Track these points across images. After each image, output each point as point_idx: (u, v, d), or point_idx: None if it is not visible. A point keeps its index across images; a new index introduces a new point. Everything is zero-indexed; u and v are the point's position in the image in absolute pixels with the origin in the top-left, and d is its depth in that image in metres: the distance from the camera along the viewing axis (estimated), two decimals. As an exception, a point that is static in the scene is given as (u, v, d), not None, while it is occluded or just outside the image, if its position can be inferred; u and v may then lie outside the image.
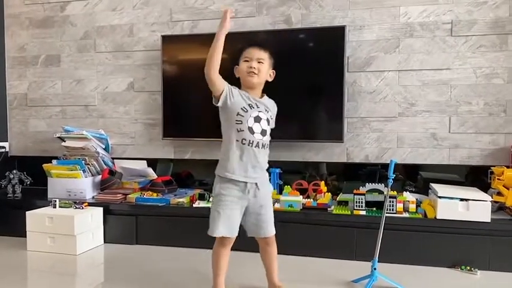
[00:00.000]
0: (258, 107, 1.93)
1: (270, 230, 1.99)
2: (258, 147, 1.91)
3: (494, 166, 2.58)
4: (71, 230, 2.66)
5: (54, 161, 3.16)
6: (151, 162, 3.27)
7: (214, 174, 3.34)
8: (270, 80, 2.00)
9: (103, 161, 3.23)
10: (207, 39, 3.09)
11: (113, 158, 3.34)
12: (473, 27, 2.77)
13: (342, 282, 2.25)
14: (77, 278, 2.44)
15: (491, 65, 2.76)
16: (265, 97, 2.02)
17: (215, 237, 1.95)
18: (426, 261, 2.45)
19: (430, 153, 2.88)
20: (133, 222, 2.88)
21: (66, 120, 3.50)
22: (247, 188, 1.91)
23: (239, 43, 3.00)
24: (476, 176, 2.80)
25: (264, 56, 1.93)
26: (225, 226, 1.90)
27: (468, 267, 2.37)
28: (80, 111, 3.49)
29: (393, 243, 2.43)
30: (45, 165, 3.13)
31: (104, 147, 3.31)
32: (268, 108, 1.98)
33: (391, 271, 2.25)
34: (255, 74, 1.91)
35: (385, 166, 2.92)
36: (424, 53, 2.84)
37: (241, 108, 1.90)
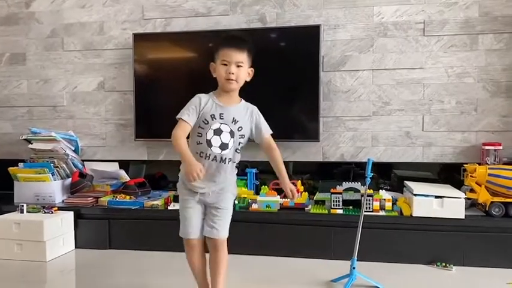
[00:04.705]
0: (221, 118, 1.80)
1: (216, 232, 1.85)
2: (216, 161, 1.80)
3: (466, 163, 2.62)
4: (39, 236, 2.55)
5: (20, 164, 3.03)
6: (124, 164, 3.19)
7: (189, 176, 3.29)
8: (248, 79, 1.87)
9: (73, 163, 3.12)
10: (180, 37, 3.12)
11: (83, 160, 3.23)
12: (445, 27, 2.82)
13: (321, 282, 2.24)
14: (47, 286, 2.35)
15: (462, 64, 2.82)
16: (241, 104, 1.88)
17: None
18: (403, 259, 2.47)
19: (404, 151, 2.91)
20: (105, 226, 2.79)
21: (33, 122, 3.36)
22: (203, 194, 1.86)
23: (212, 42, 3.01)
24: (449, 174, 2.86)
25: (242, 58, 1.79)
26: (186, 228, 1.86)
27: (444, 264, 2.41)
28: (48, 112, 3.36)
29: (371, 241, 2.44)
30: (11, 169, 3.00)
31: (73, 149, 3.20)
32: (237, 119, 1.83)
33: (369, 269, 2.26)
34: (234, 80, 1.80)
35: (360, 165, 2.97)
36: (398, 52, 2.88)
37: (203, 121, 1.81)
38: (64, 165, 3.07)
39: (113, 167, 3.14)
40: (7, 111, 3.43)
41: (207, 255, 1.92)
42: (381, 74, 2.91)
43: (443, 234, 2.45)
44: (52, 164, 2.99)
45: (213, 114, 1.81)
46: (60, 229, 2.67)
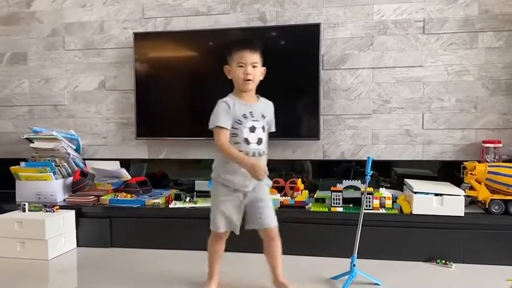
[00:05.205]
0: (252, 116, 1.93)
1: (267, 223, 1.99)
2: (255, 157, 1.93)
3: (466, 161, 2.63)
4: (42, 235, 2.56)
5: (22, 163, 3.04)
6: (125, 163, 3.20)
7: (189, 174, 3.33)
8: (261, 78, 1.99)
9: (74, 162, 3.14)
10: (181, 36, 3.12)
11: (85, 159, 3.25)
12: (445, 25, 2.82)
13: (321, 279, 2.25)
14: (49, 284, 2.36)
15: (462, 62, 2.82)
16: (261, 100, 2.01)
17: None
18: (403, 256, 2.48)
19: (404, 149, 2.92)
20: (107, 224, 2.81)
21: (34, 121, 3.37)
22: (246, 192, 1.97)
23: (212, 40, 3.03)
24: (449, 171, 2.86)
25: (257, 58, 1.93)
26: (223, 222, 1.98)
27: (443, 261, 2.42)
28: (49, 111, 3.37)
29: (371, 239, 2.45)
30: (12, 168, 3.02)
31: (74, 148, 3.21)
32: (265, 114, 1.98)
33: (369, 267, 2.26)
34: (251, 80, 1.91)
35: (360, 163, 2.98)
36: (398, 50, 2.88)
37: (236, 121, 1.91)
38: (65, 164, 3.08)
39: (114, 166, 3.14)
40: (8, 110, 3.44)
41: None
42: (380, 72, 2.91)
43: (443, 232, 2.45)
44: (53, 163, 3.00)
45: (245, 114, 1.92)
46: (61, 228, 2.69)
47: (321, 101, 2.91)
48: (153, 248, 2.73)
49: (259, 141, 1.94)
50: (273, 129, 2.08)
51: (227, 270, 2.16)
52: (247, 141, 1.91)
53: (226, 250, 2.09)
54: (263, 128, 1.96)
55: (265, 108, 2.01)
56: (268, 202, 2.02)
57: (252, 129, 1.92)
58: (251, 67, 1.91)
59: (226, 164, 1.94)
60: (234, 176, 1.94)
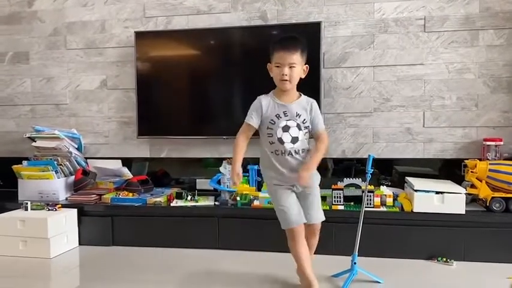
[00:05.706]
0: (285, 116, 1.97)
1: (316, 217, 2.04)
2: (292, 155, 1.97)
3: (467, 159, 2.63)
4: (44, 233, 2.57)
5: (24, 162, 3.05)
6: (126, 162, 3.20)
7: (190, 173, 3.34)
8: (303, 76, 2.01)
9: (76, 161, 3.15)
10: (182, 35, 3.13)
11: (87, 158, 3.26)
12: (446, 23, 2.82)
13: (322, 277, 2.25)
14: (51, 283, 2.37)
15: (463, 60, 2.82)
16: (300, 98, 2.03)
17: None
18: (404, 254, 2.49)
19: (405, 147, 2.92)
20: (109, 223, 2.82)
21: (36, 120, 3.39)
22: (296, 187, 2.01)
23: (213, 39, 3.04)
24: (450, 169, 2.86)
25: (295, 59, 1.93)
26: (291, 217, 1.96)
27: (444, 259, 2.42)
28: (51, 110, 3.38)
29: (372, 237, 2.45)
30: (14, 167, 3.03)
31: (76, 147, 3.23)
32: (300, 113, 1.98)
33: (370, 265, 2.27)
34: (287, 81, 1.94)
35: (361, 161, 2.98)
36: (398, 48, 2.88)
37: (270, 122, 1.97)
38: (67, 162, 3.09)
39: (116, 165, 3.15)
40: (11, 109, 3.45)
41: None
42: (381, 71, 2.91)
43: (444, 230, 2.46)
44: (55, 162, 3.01)
45: (278, 114, 1.97)
46: (63, 226, 2.70)
47: (322, 100, 2.91)
48: (154, 247, 2.74)
49: (294, 140, 1.96)
50: (321, 127, 2.03)
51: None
52: (281, 140, 1.96)
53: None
54: (298, 126, 1.97)
55: (302, 106, 2.00)
56: (318, 196, 2.07)
57: (286, 128, 1.96)
58: (288, 68, 1.93)
59: (275, 161, 1.98)
60: (284, 172, 1.98)
